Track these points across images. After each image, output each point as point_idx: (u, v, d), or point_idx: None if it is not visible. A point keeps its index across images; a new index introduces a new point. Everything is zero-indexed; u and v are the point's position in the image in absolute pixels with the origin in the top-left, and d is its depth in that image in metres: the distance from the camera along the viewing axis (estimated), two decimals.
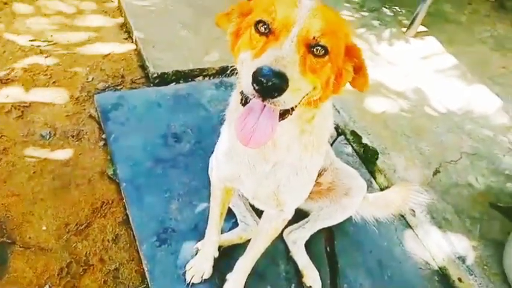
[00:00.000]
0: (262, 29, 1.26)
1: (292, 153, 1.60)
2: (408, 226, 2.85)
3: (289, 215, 1.96)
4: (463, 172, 3.13)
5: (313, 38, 1.21)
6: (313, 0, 1.27)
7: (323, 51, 1.24)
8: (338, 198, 2.38)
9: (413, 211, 2.81)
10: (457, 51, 4.64)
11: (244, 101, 1.28)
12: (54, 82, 3.29)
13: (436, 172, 3.09)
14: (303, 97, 1.25)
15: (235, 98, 1.59)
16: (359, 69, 1.40)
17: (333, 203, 2.39)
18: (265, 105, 1.23)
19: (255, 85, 1.09)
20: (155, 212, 2.52)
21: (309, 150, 1.62)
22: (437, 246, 2.69)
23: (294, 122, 1.47)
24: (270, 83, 1.07)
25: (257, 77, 1.08)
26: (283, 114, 1.26)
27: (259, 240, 2.07)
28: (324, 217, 2.43)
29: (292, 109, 1.25)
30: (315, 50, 1.23)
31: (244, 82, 1.16)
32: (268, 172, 1.66)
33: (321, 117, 1.58)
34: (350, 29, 1.39)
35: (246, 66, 1.24)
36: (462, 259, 2.57)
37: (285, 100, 1.13)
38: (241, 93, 1.26)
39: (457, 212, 2.83)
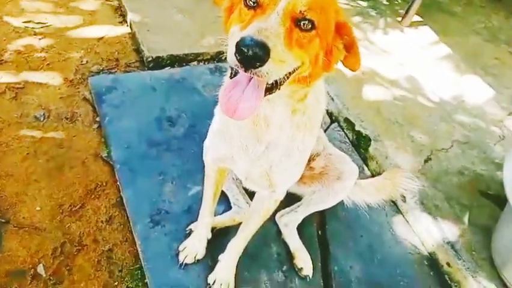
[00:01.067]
0: (250, 3, 1.27)
1: (285, 133, 1.61)
2: (399, 212, 2.89)
3: (281, 195, 1.99)
4: (454, 160, 3.17)
5: (300, 11, 1.22)
6: None
7: (310, 25, 1.25)
8: (330, 183, 2.40)
9: (404, 197, 2.84)
10: (451, 42, 4.67)
11: (234, 75, 1.29)
12: (48, 64, 3.27)
13: (428, 160, 3.13)
14: (291, 73, 1.26)
15: (228, 78, 1.60)
16: (350, 47, 1.41)
17: (325, 187, 2.41)
18: (251, 79, 1.24)
19: (237, 55, 1.11)
20: (149, 194, 2.53)
21: (301, 130, 1.64)
22: (426, 231, 2.73)
23: (286, 101, 1.49)
24: (250, 52, 1.08)
25: (239, 47, 1.09)
26: (270, 89, 1.27)
27: (251, 221, 2.10)
28: (317, 201, 2.45)
29: (279, 84, 1.26)
30: (301, 24, 1.24)
31: (228, 53, 1.17)
32: (261, 153, 1.67)
33: (314, 97, 1.60)
34: (339, 5, 1.39)
35: (232, 38, 1.24)
36: (451, 244, 2.61)
37: (268, 71, 1.13)
38: (231, 67, 1.27)
39: (447, 199, 2.87)
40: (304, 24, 1.24)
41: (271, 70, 1.14)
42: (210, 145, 1.95)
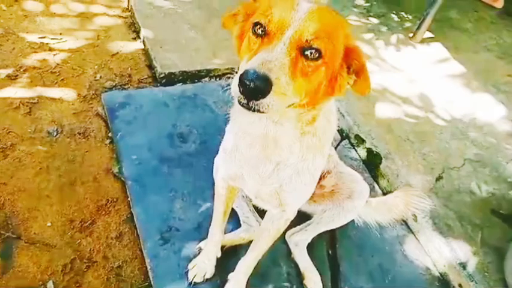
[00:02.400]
0: (258, 31, 1.28)
1: (295, 154, 1.61)
2: (410, 231, 2.87)
3: (292, 215, 1.97)
4: (466, 179, 3.14)
5: (306, 40, 1.22)
6: (312, 3, 1.27)
7: (317, 55, 1.24)
8: (340, 202, 2.39)
9: (415, 216, 2.82)
10: (463, 58, 4.65)
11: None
12: (62, 80, 3.31)
13: (439, 178, 3.10)
14: (293, 103, 1.26)
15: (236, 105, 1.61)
16: (360, 72, 1.38)
17: (335, 206, 2.40)
18: None
19: (240, 87, 1.13)
20: (159, 211, 2.54)
21: (311, 152, 1.63)
22: (438, 252, 2.70)
23: (294, 124, 1.48)
24: (252, 85, 1.10)
25: (242, 79, 1.11)
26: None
27: (261, 240, 2.09)
28: (327, 220, 2.44)
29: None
30: (308, 53, 1.23)
31: (232, 84, 1.19)
32: (271, 172, 1.68)
33: (324, 119, 1.59)
34: (350, 30, 1.38)
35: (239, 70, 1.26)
36: (463, 265, 2.58)
37: (270, 104, 1.14)
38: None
39: (459, 219, 2.84)
40: (311, 53, 1.24)
41: (272, 103, 1.14)
42: (220, 163, 1.95)
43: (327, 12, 1.30)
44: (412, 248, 2.78)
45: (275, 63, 1.15)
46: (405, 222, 2.90)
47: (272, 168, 1.66)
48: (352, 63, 1.36)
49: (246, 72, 1.10)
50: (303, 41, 1.22)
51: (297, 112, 1.40)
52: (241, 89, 1.13)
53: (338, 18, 1.34)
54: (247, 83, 1.10)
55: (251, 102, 1.14)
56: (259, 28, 1.27)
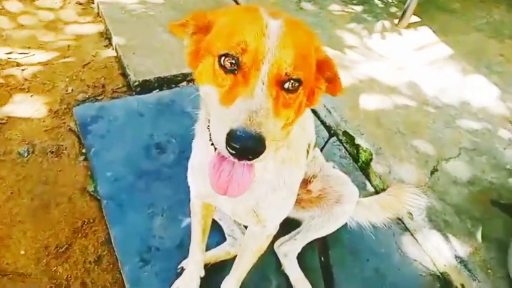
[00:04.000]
0: (228, 64, 1.12)
1: (269, 170, 1.49)
2: (407, 230, 2.72)
3: (274, 230, 1.84)
4: (462, 169, 2.99)
5: (286, 74, 1.10)
6: (279, 20, 1.13)
7: (297, 84, 1.13)
8: (329, 207, 2.26)
9: (411, 214, 2.67)
10: (452, 41, 4.49)
11: None
12: (32, 96, 3.16)
13: (434, 171, 2.95)
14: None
15: (204, 112, 1.46)
16: (332, 79, 1.30)
17: (324, 211, 2.27)
18: None
19: (229, 149, 1.00)
20: (138, 230, 2.39)
21: (287, 166, 1.51)
22: (437, 250, 2.56)
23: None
24: (245, 149, 0.99)
25: (231, 142, 0.99)
26: None
27: (244, 258, 1.96)
28: (316, 227, 2.30)
29: None
30: (289, 85, 1.12)
31: (215, 138, 1.07)
32: None
33: (298, 128, 1.48)
34: (318, 41, 1.26)
35: (214, 113, 1.13)
36: (464, 263, 2.44)
37: (262, 158, 1.03)
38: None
39: (457, 213, 2.69)
40: (292, 84, 1.12)
41: (264, 156, 1.03)
42: (190, 180, 1.80)
43: (297, 28, 1.18)
44: (410, 248, 2.62)
45: (262, 113, 1.03)
46: (401, 221, 2.74)
47: None
48: (325, 74, 1.29)
49: (235, 136, 0.98)
50: (282, 75, 1.10)
51: None
52: (232, 152, 1.01)
53: (307, 32, 1.23)
54: (238, 147, 0.98)
55: (243, 161, 1.05)
56: (229, 61, 1.11)
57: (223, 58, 1.11)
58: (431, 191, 2.80)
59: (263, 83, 1.06)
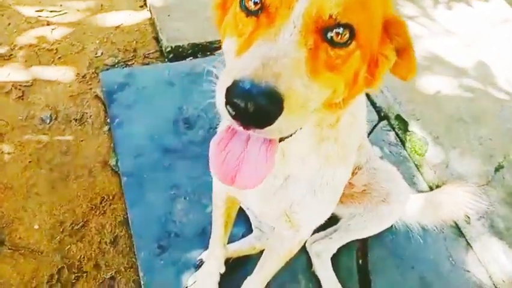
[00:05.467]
0: (250, 5, 0.84)
1: (309, 166, 1.21)
2: (461, 236, 2.41)
3: (307, 235, 1.61)
4: None
5: (330, 16, 0.78)
6: None
7: (347, 35, 0.81)
8: (373, 205, 1.97)
9: (468, 218, 2.37)
10: None
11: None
12: (59, 58, 2.99)
13: (499, 168, 2.60)
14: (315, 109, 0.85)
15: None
16: (403, 51, 0.98)
17: (367, 210, 1.99)
18: None
19: (229, 108, 0.71)
20: (157, 213, 2.23)
21: (332, 163, 1.22)
22: (496, 262, 2.28)
23: (311, 130, 1.08)
24: (251, 108, 0.68)
25: (232, 98, 0.69)
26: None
27: (269, 261, 1.73)
28: (357, 227, 2.04)
29: None
30: (334, 35, 0.80)
31: (216, 97, 0.78)
32: (278, 187, 1.28)
33: (349, 117, 1.17)
34: None
35: (226, 65, 0.87)
36: None
37: (280, 128, 0.73)
38: None
39: None
40: (338, 34, 0.80)
41: (285, 125, 0.73)
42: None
43: None
44: (463, 257, 2.33)
45: (284, 62, 0.72)
46: (456, 225, 2.44)
47: (279, 184, 1.27)
48: (393, 40, 0.97)
49: (237, 86, 0.69)
50: (324, 18, 0.79)
51: (319, 116, 0.99)
52: (232, 113, 0.72)
53: None
54: (241, 104, 0.68)
55: (251, 130, 0.74)
56: (251, 0, 0.83)
57: None
58: (494, 192, 2.48)
59: (295, 27, 0.77)
